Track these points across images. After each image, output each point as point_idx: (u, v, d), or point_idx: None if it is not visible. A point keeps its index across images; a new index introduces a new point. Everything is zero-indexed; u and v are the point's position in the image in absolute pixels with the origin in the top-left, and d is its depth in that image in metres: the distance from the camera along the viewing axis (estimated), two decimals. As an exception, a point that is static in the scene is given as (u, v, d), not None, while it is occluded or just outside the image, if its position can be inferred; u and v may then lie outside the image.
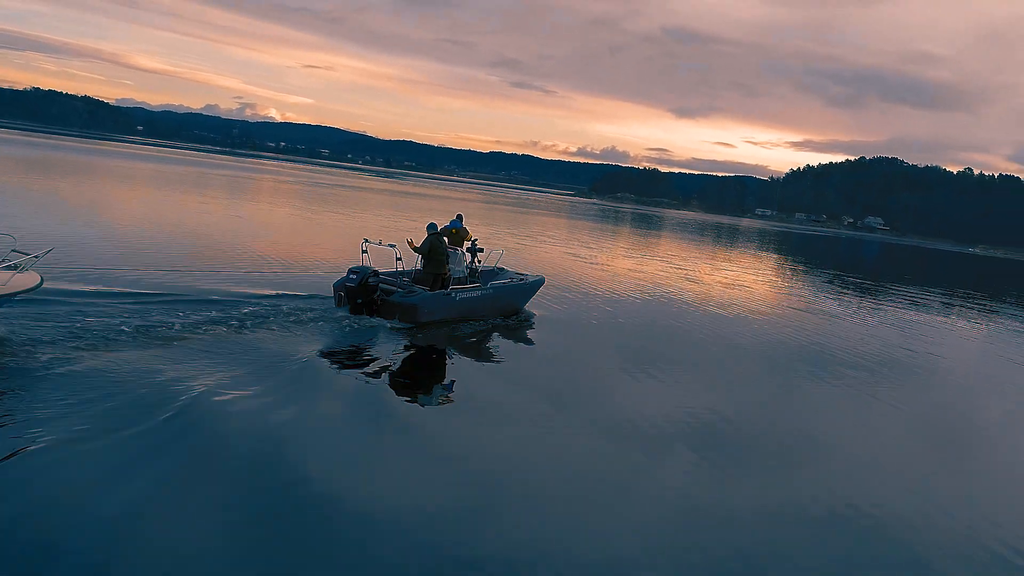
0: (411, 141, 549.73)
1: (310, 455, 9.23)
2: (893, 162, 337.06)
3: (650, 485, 9.90)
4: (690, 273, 38.71)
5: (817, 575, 8.10)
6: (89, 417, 9.09)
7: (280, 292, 17.37)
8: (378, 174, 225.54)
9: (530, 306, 19.99)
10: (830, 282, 46.89)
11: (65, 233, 22.72)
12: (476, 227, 46.32)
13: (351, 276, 16.09)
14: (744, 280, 39.72)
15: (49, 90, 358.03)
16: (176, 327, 13.29)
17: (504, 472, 9.78)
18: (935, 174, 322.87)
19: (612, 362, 16.69)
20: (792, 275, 51.64)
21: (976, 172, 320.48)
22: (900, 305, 37.27)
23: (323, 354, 13.46)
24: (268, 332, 14.09)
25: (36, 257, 11.45)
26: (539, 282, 20.33)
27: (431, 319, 16.54)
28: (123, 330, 12.59)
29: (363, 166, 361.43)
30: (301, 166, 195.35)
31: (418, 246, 17.04)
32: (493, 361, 15.55)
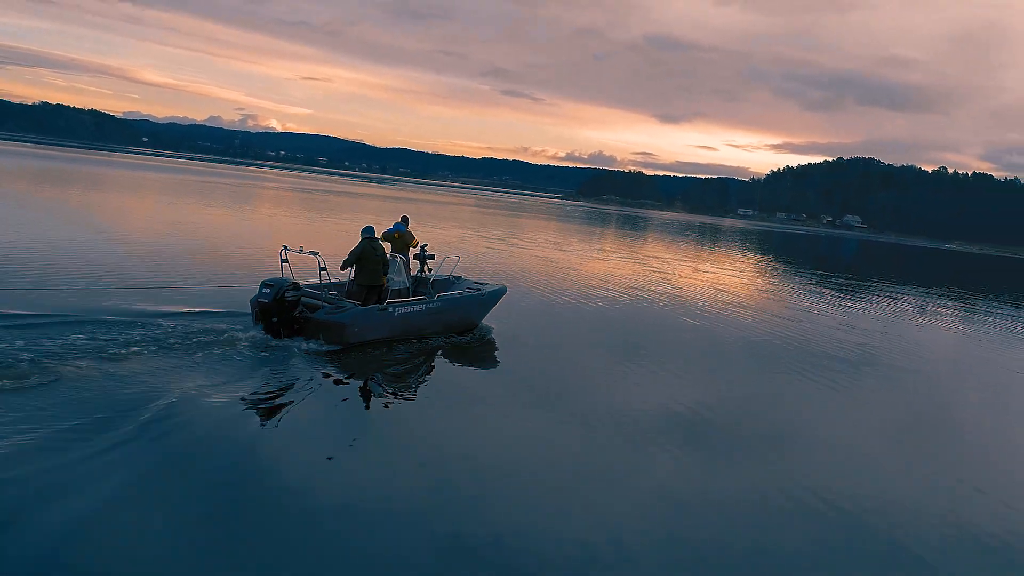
0: (406, 148, 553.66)
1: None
2: (870, 162, 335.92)
3: (634, 476, 9.61)
4: (670, 273, 35.58)
5: (798, 561, 7.92)
6: None
7: (192, 309, 14.32)
8: (373, 180, 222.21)
9: (490, 319, 16.95)
10: (810, 279, 45.77)
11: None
12: (445, 230, 43.14)
13: (264, 290, 13.00)
14: (725, 278, 37.25)
15: (57, 104, 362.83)
16: (24, 360, 10.21)
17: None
18: (911, 173, 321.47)
19: (581, 380, 13.69)
20: (773, 272, 49.63)
21: (950, 171, 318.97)
22: (879, 300, 36.40)
23: (209, 389, 10.40)
24: (148, 360, 11.02)
25: None
26: (499, 292, 17.14)
27: (363, 339, 13.48)
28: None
29: (360, 173, 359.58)
30: (298, 173, 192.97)
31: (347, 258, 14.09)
32: (430, 388, 12.51)
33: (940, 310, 35.65)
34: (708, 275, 38.32)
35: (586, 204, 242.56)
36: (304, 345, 12.92)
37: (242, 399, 10.18)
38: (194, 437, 8.75)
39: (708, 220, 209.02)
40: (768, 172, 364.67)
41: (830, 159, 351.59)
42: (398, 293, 14.94)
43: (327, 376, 11.82)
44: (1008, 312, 38.96)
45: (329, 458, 8.86)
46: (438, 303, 14.97)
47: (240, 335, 12.91)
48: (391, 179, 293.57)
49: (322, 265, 13.56)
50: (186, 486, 7.68)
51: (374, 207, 68.58)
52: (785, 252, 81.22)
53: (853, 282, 46.91)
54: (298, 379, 11.47)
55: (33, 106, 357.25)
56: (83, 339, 11.45)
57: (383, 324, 13.80)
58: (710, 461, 10.45)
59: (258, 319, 13.18)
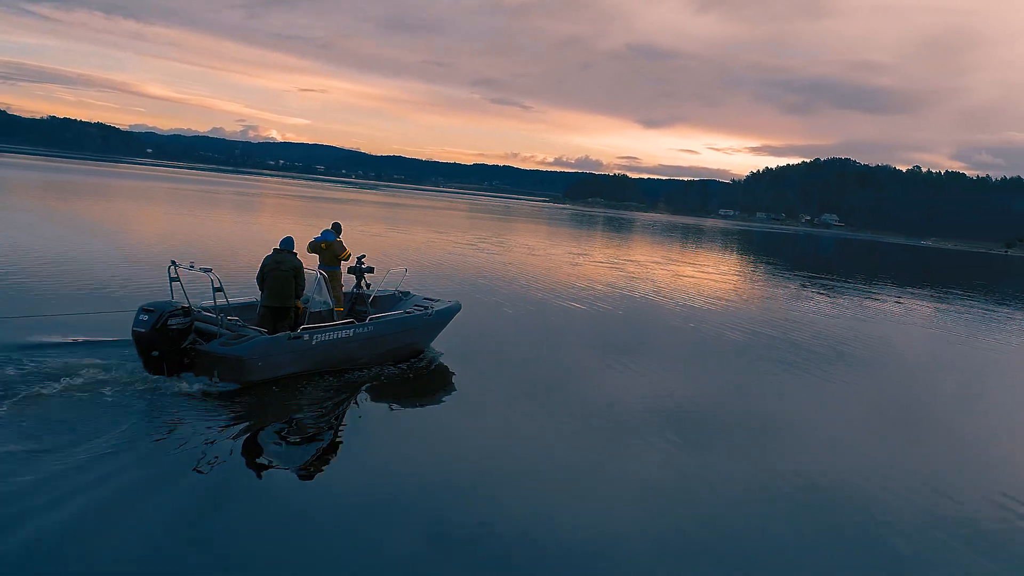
0: (401, 156, 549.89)
1: None
2: (846, 163, 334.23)
3: (625, 468, 9.41)
4: (651, 275, 32.58)
5: (785, 546, 7.69)
6: None
7: (61, 339, 11.30)
8: (364, 187, 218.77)
9: (441, 341, 14.02)
10: (789, 276, 44.62)
11: None
12: (418, 235, 40.14)
13: (141, 317, 9.99)
14: (706, 277, 34.82)
15: (64, 118, 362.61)
16: None
17: None
18: (885, 173, 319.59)
19: (545, 417, 10.75)
20: (753, 271, 47.63)
21: (924, 170, 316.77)
22: (856, 296, 35.44)
23: (25, 456, 7.43)
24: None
25: None
26: (451, 310, 14.12)
27: (269, 375, 10.47)
28: None
29: (356, 180, 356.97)
30: (295, 181, 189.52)
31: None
32: (349, 438, 9.53)
33: (916, 304, 35.02)
34: (689, 275, 35.35)
35: (572, 207, 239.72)
36: (185, 386, 9.94)
37: (71, 469, 7.22)
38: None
39: (690, 221, 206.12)
40: (748, 174, 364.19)
41: (807, 160, 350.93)
42: (319, 316, 11.93)
43: (209, 427, 8.85)
44: (981, 305, 38.15)
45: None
46: (370, 327, 11.93)
47: (111, 373, 9.93)
48: (383, 185, 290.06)
49: (216, 284, 10.54)
50: None
51: (337, 212, 65.38)
52: (765, 251, 79.21)
53: (831, 278, 45.70)
54: (165, 432, 8.50)
55: (42, 120, 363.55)
56: None
57: (295, 356, 10.79)
58: (699, 451, 10.31)
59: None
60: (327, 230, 13.30)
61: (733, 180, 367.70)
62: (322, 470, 8.36)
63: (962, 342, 24.14)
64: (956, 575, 7.56)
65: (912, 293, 41.24)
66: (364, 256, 13.85)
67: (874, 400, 14.75)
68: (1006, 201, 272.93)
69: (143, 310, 10.05)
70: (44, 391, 9.08)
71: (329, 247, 13.02)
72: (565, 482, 8.68)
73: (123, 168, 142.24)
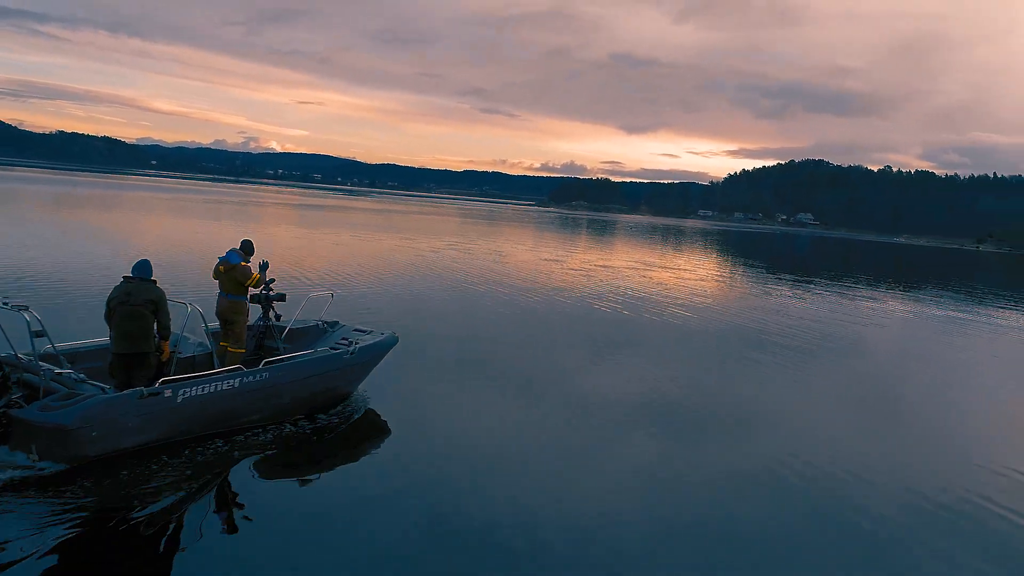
0: (394, 164, 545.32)
1: None
2: (819, 164, 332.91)
3: (612, 457, 9.38)
4: (629, 282, 29.76)
5: (764, 529, 7.68)
6: None
7: None
8: (356, 194, 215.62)
9: (375, 381, 11.05)
10: (766, 274, 44.40)
11: None
12: (381, 240, 37.22)
13: None
14: (686, 275, 32.97)
15: (72, 132, 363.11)
16: None
17: None
18: (858, 173, 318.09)
19: (506, 492, 7.97)
20: (732, 269, 46.50)
21: (895, 170, 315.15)
22: (832, 291, 35.41)
23: None
24: None
25: None
26: (383, 345, 10.97)
27: (111, 448, 7.57)
28: None
29: (351, 187, 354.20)
30: (288, 189, 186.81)
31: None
32: (232, 545, 6.66)
33: (889, 298, 34.93)
34: (669, 279, 32.52)
35: (557, 210, 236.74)
36: (13, 468, 7.05)
37: None
38: None
39: (671, 222, 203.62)
40: (725, 176, 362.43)
41: (782, 162, 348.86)
42: (193, 362, 8.99)
43: (26, 529, 5.96)
44: (951, 298, 38.25)
45: None
46: (264, 374, 8.90)
47: None
48: (375, 192, 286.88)
49: (37, 328, 7.64)
50: None
51: (310, 218, 62.28)
52: (743, 250, 77.49)
53: (807, 275, 45.35)
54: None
55: (51, 135, 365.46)
56: None
57: (150, 419, 7.83)
58: (682, 441, 10.37)
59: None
60: (232, 250, 10.16)
61: (712, 182, 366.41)
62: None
63: (932, 334, 24.10)
64: (929, 556, 7.53)
65: (885, 288, 41.15)
66: (273, 281, 10.84)
67: (850, 390, 14.85)
68: (973, 198, 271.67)
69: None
70: None
71: (230, 271, 9.92)
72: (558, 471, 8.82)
73: (115, 179, 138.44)
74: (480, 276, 28.10)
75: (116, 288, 8.14)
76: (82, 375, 8.05)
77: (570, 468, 8.83)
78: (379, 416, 10.20)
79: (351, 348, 10.22)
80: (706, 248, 73.44)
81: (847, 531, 7.84)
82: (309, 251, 32.01)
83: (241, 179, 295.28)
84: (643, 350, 16.85)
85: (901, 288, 42.68)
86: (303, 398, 9.52)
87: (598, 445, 9.75)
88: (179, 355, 8.77)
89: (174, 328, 8.68)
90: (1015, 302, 39.36)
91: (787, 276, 43.23)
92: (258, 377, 8.82)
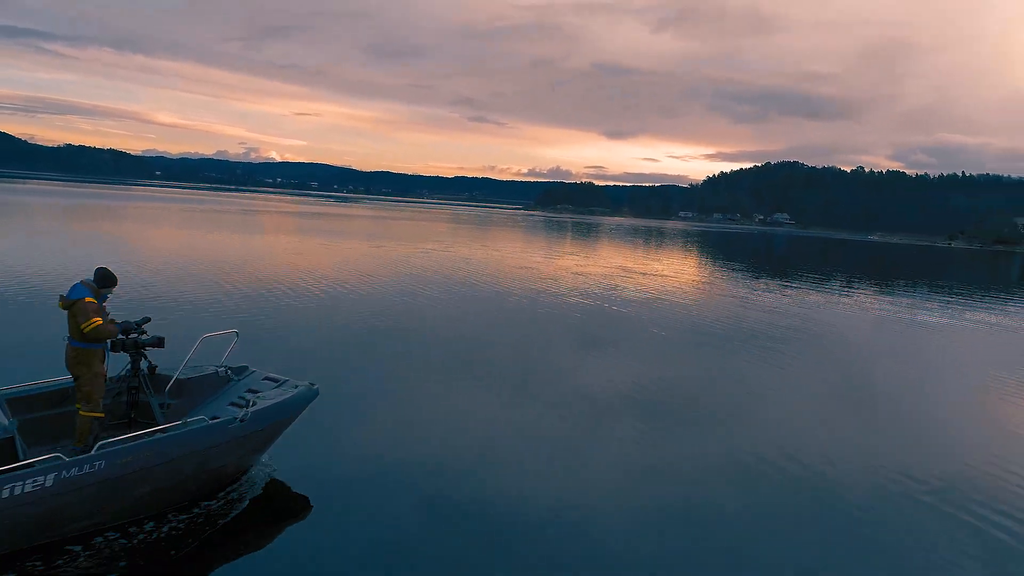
0: (389, 172, 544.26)
1: None
2: (794, 165, 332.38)
3: (601, 447, 9.31)
4: (616, 289, 27.74)
5: (746, 514, 7.64)
6: None
7: None
8: (347, 201, 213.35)
9: (287, 444, 8.00)
10: (745, 272, 43.60)
11: None
12: (349, 247, 35.18)
13: None
14: (667, 274, 32.73)
15: (80, 145, 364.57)
16: None
17: None
18: (831, 174, 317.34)
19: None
20: (711, 268, 45.71)
21: (867, 170, 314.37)
22: (808, 288, 35.09)
23: None
24: None
25: None
26: (297, 401, 7.85)
27: None
28: None
29: (346, 195, 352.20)
30: (284, 196, 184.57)
31: None
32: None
33: (863, 294, 34.51)
34: (651, 284, 30.48)
35: (542, 213, 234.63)
36: None
37: None
38: None
39: (653, 223, 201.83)
40: (704, 178, 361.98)
41: (759, 164, 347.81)
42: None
43: None
44: (924, 293, 37.90)
45: None
46: (99, 462, 6.06)
47: None
48: (369, 198, 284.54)
49: None
50: None
51: (289, 223, 59.99)
52: (722, 250, 76.40)
53: (784, 273, 44.75)
54: None
55: (60, 148, 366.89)
56: None
57: None
58: (667, 432, 10.25)
59: None
60: (79, 284, 7.08)
61: (691, 185, 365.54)
62: None
63: (906, 328, 23.76)
64: (906, 538, 7.39)
65: (860, 284, 40.47)
66: (147, 319, 7.75)
67: (826, 381, 14.76)
68: (945, 197, 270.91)
69: None
70: None
71: (71, 307, 6.92)
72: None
73: (116, 190, 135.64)
74: (448, 280, 25.95)
75: None
76: None
77: (561, 459, 8.75)
78: (288, 490, 7.63)
79: (241, 414, 7.18)
80: (686, 248, 71.71)
81: (824, 516, 7.88)
82: (258, 261, 29.73)
83: (241, 188, 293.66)
84: (624, 347, 16.38)
85: (876, 284, 41.96)
86: (170, 487, 6.72)
87: (585, 442, 9.58)
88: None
89: None
90: (983, 295, 38.92)
91: (765, 274, 42.56)
92: (87, 468, 5.98)
